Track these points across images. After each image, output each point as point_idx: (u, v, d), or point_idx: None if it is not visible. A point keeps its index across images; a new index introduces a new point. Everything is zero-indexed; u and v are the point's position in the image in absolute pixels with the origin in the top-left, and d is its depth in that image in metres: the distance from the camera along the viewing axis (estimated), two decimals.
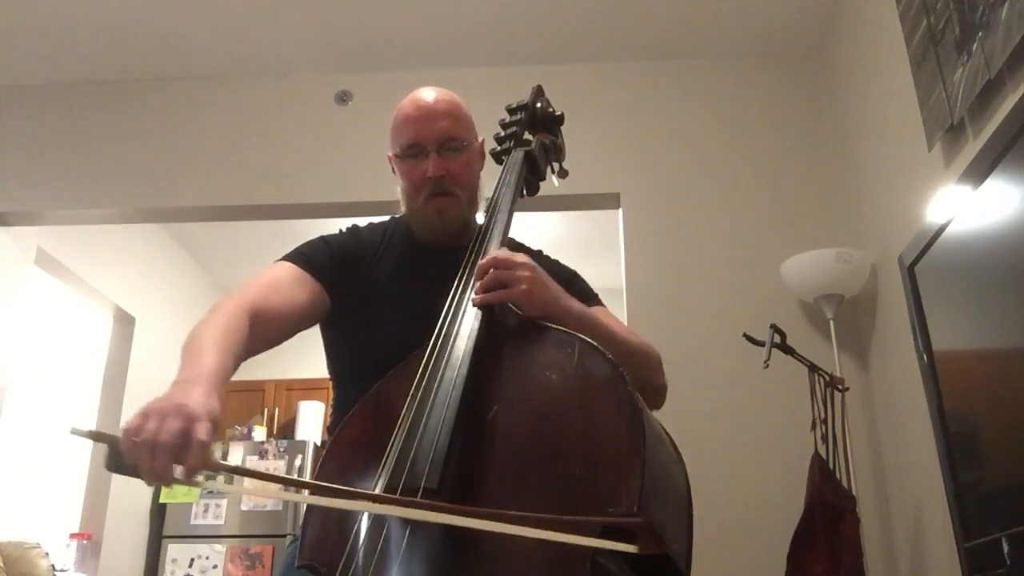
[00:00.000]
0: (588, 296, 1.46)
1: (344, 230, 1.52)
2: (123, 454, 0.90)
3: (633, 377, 1.11)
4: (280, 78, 3.59)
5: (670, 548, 0.92)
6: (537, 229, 4.39)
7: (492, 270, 1.21)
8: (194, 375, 1.02)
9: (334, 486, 1.02)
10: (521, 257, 1.24)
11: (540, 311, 1.19)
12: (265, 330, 1.25)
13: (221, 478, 1.03)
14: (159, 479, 0.90)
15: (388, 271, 1.44)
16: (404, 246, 1.47)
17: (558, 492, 0.98)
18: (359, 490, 1.01)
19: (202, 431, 0.91)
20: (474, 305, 1.20)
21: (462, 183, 1.43)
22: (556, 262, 1.54)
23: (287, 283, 1.34)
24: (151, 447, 0.88)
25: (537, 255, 1.53)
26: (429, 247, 1.46)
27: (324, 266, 1.39)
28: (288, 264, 1.38)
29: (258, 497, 4.62)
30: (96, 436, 0.92)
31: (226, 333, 1.14)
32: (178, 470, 0.89)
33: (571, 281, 1.48)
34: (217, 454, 4.93)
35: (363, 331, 1.38)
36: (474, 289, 1.23)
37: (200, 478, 0.92)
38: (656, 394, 1.37)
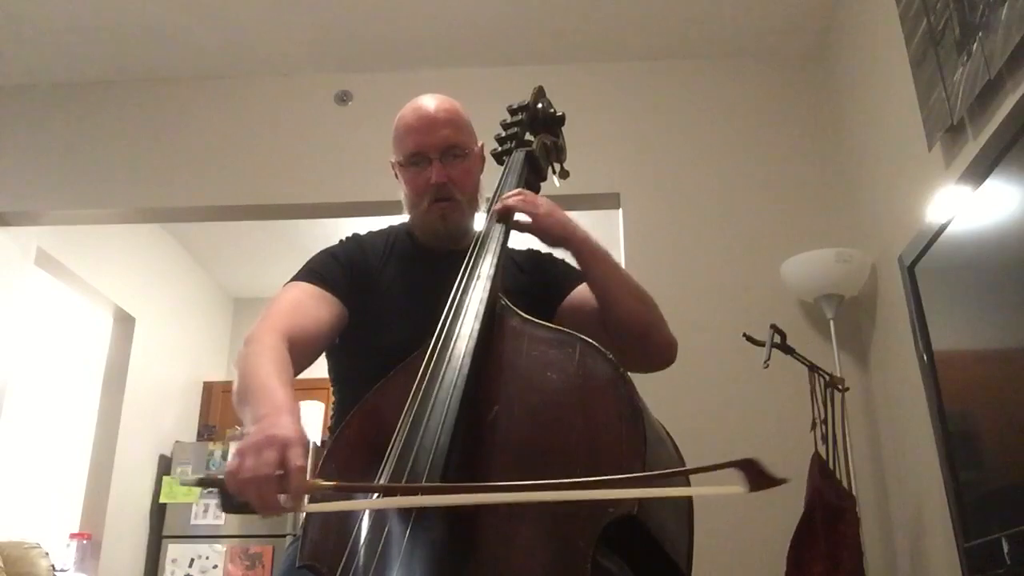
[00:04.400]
0: (572, 275, 1.49)
1: (345, 240, 1.52)
2: (232, 494, 0.93)
3: (642, 321, 1.30)
4: (280, 78, 3.59)
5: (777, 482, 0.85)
6: None
7: (517, 197, 1.35)
8: (273, 408, 1.04)
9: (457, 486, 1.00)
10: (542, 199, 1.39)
11: (561, 231, 1.34)
12: (301, 355, 1.27)
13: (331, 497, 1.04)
14: (271, 510, 0.92)
15: (392, 278, 1.45)
16: (407, 253, 1.49)
17: None
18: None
19: (297, 456, 0.93)
20: (497, 211, 1.35)
21: (464, 188, 1.46)
22: (548, 255, 1.56)
23: (310, 304, 1.35)
24: (255, 482, 0.91)
25: (532, 253, 1.56)
26: (432, 253, 1.48)
27: (339, 281, 1.40)
28: (304, 284, 1.39)
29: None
30: (204, 483, 0.98)
31: (280, 366, 1.17)
32: (283, 498, 0.92)
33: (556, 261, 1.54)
34: (217, 453, 4.81)
35: (368, 337, 1.39)
36: (502, 200, 1.36)
37: (307, 501, 0.95)
38: (667, 346, 1.41)
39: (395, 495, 1.00)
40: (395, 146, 1.49)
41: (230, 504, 0.94)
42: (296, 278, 1.41)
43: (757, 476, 0.77)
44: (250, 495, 0.92)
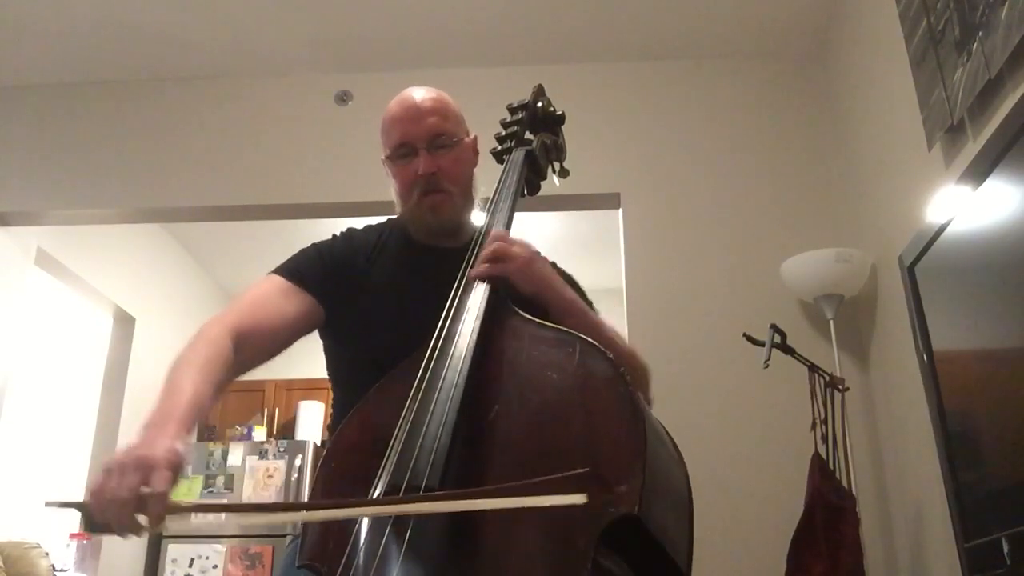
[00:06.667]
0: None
1: (338, 235, 1.50)
2: (94, 515, 0.93)
3: None
4: (280, 78, 3.59)
5: (616, 493, 0.90)
6: (537, 229, 4.39)
7: (494, 243, 1.28)
8: (164, 415, 1.04)
9: (310, 503, 1.04)
10: (521, 239, 1.31)
11: (535, 287, 1.26)
12: (254, 348, 1.27)
13: (193, 516, 1.06)
14: (131, 533, 0.93)
15: (384, 273, 1.42)
16: (400, 247, 1.46)
17: None
18: (341, 500, 1.03)
19: (160, 482, 0.92)
20: (470, 277, 1.25)
21: (454, 179, 1.43)
22: (554, 264, 1.54)
23: (275, 298, 1.34)
24: (114, 505, 0.92)
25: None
26: (426, 248, 1.45)
27: (315, 277, 1.39)
28: (277, 278, 1.38)
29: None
30: (69, 504, 0.97)
31: (206, 362, 1.15)
32: (143, 519, 0.92)
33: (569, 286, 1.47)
34: (217, 452, 4.84)
35: (360, 334, 1.37)
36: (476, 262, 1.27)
37: (170, 523, 0.94)
38: None
39: (250, 512, 1.02)
40: (383, 141, 1.47)
41: (93, 525, 0.94)
42: (275, 270, 1.40)
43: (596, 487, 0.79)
44: (109, 517, 0.92)
